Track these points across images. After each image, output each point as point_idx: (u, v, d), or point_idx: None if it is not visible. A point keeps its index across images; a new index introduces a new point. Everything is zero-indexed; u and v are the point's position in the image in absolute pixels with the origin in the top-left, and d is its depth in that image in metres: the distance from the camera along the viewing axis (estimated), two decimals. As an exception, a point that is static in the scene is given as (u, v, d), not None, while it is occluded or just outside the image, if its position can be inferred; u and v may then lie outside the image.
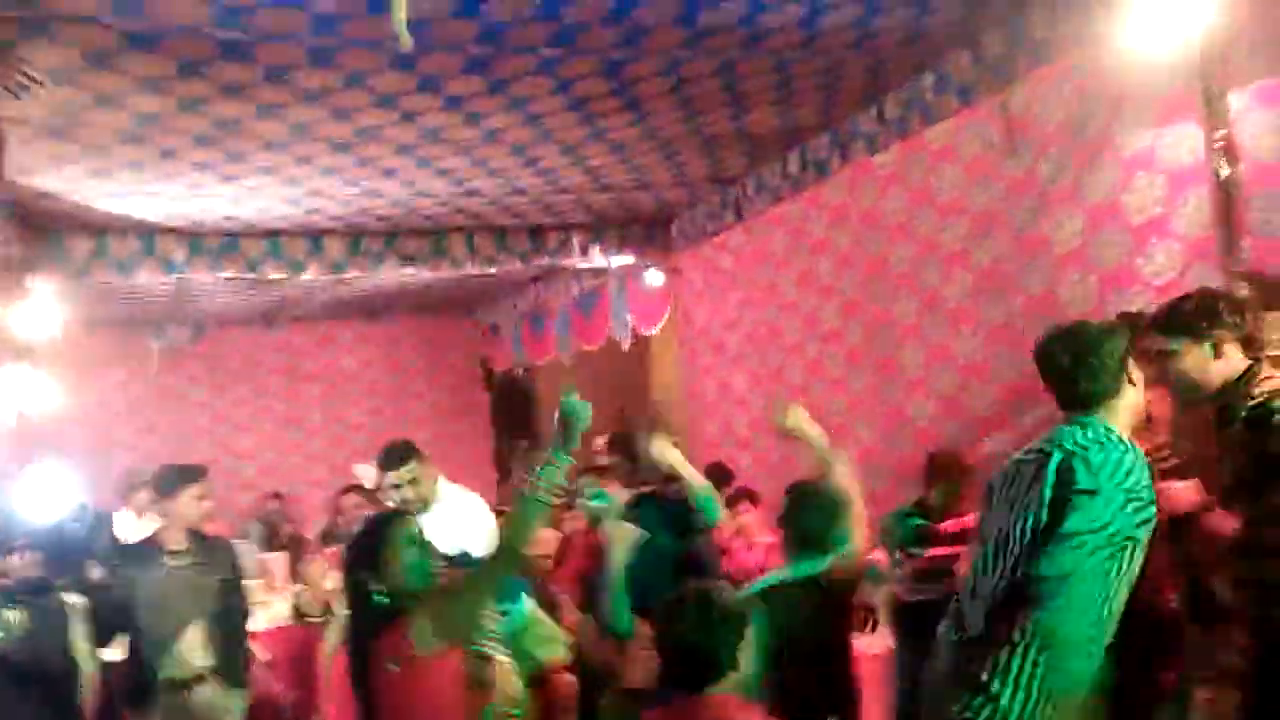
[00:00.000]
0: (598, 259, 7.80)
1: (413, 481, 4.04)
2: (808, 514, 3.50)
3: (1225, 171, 3.99)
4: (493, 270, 7.62)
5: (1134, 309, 4.41)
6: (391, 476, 4.05)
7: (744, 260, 7.35)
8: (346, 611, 2.65)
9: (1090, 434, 2.58)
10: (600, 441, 8.98)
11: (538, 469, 2.46)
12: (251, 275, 6.86)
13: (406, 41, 3.06)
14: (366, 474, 6.84)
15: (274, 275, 6.95)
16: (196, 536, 4.32)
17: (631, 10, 4.01)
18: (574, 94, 4.88)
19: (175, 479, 4.31)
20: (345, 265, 7.07)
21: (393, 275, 7.53)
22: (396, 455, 4.14)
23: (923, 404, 5.83)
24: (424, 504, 4.01)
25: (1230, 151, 3.98)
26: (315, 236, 6.93)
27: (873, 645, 4.83)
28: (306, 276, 7.06)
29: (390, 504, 4.07)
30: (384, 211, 6.63)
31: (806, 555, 3.44)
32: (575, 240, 7.59)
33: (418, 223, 7.02)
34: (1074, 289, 4.81)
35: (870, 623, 4.95)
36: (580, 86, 4.79)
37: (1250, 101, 3.96)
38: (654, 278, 8.16)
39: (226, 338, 9.85)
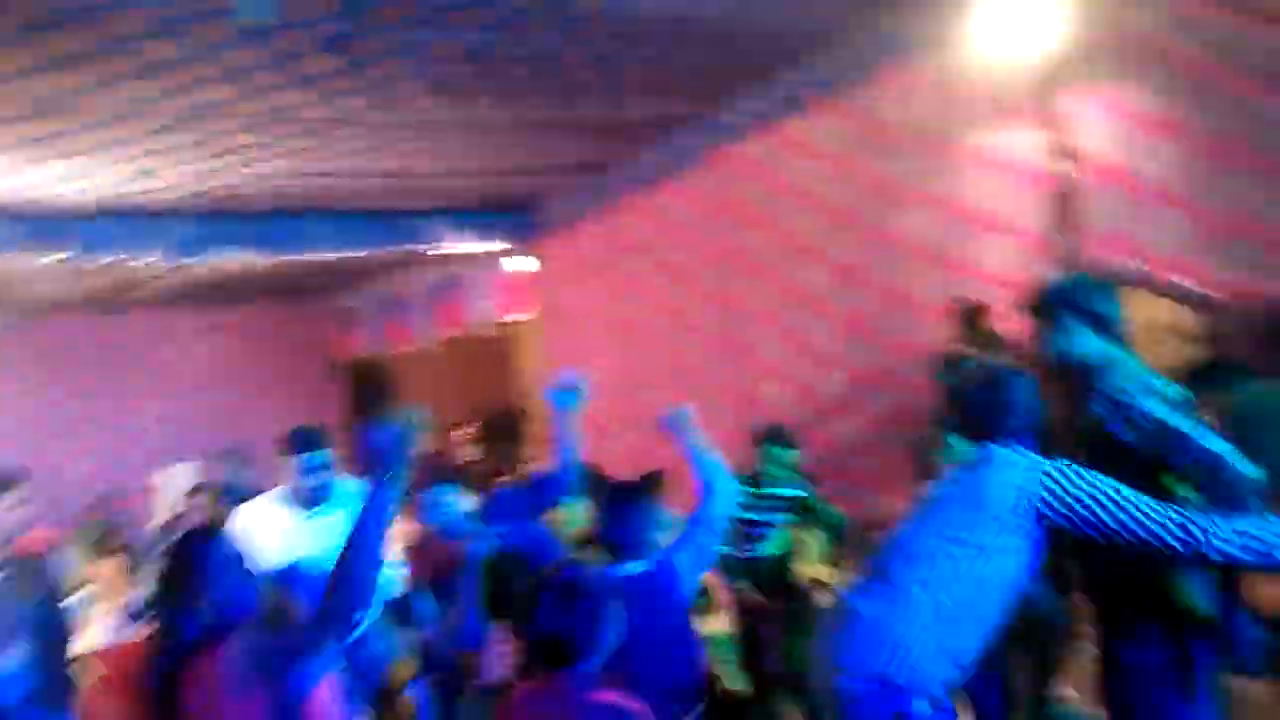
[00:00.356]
0: (461, 245, 7.63)
1: (326, 468, 3.57)
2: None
3: (1062, 172, 4.27)
4: (348, 254, 7.33)
5: (976, 300, 4.69)
6: (305, 459, 3.54)
7: (609, 248, 7.36)
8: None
9: None
10: (466, 431, 8.84)
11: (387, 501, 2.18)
12: (84, 258, 6.35)
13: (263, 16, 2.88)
14: (184, 475, 6.49)
15: (108, 258, 6.46)
16: (7, 553, 3.91)
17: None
18: (436, 76, 4.74)
19: None
20: (188, 248, 6.64)
21: (239, 259, 7.13)
22: (314, 437, 3.65)
23: (778, 390, 6.00)
24: (325, 498, 3.61)
25: (1069, 152, 4.26)
26: (155, 216, 6.48)
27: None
28: (146, 259, 6.59)
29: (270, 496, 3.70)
30: (230, 191, 6.26)
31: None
32: (436, 226, 7.40)
33: (267, 204, 6.67)
34: (922, 282, 5.06)
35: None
36: (442, 69, 4.67)
37: (1089, 105, 4.24)
38: (520, 264, 8.06)
39: (57, 325, 9.09)
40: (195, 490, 5.94)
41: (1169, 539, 2.19)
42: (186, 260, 6.79)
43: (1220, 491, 2.28)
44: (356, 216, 7.19)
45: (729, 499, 3.18)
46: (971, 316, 4.61)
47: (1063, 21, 4.10)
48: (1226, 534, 2.17)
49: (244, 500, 3.96)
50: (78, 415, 9.21)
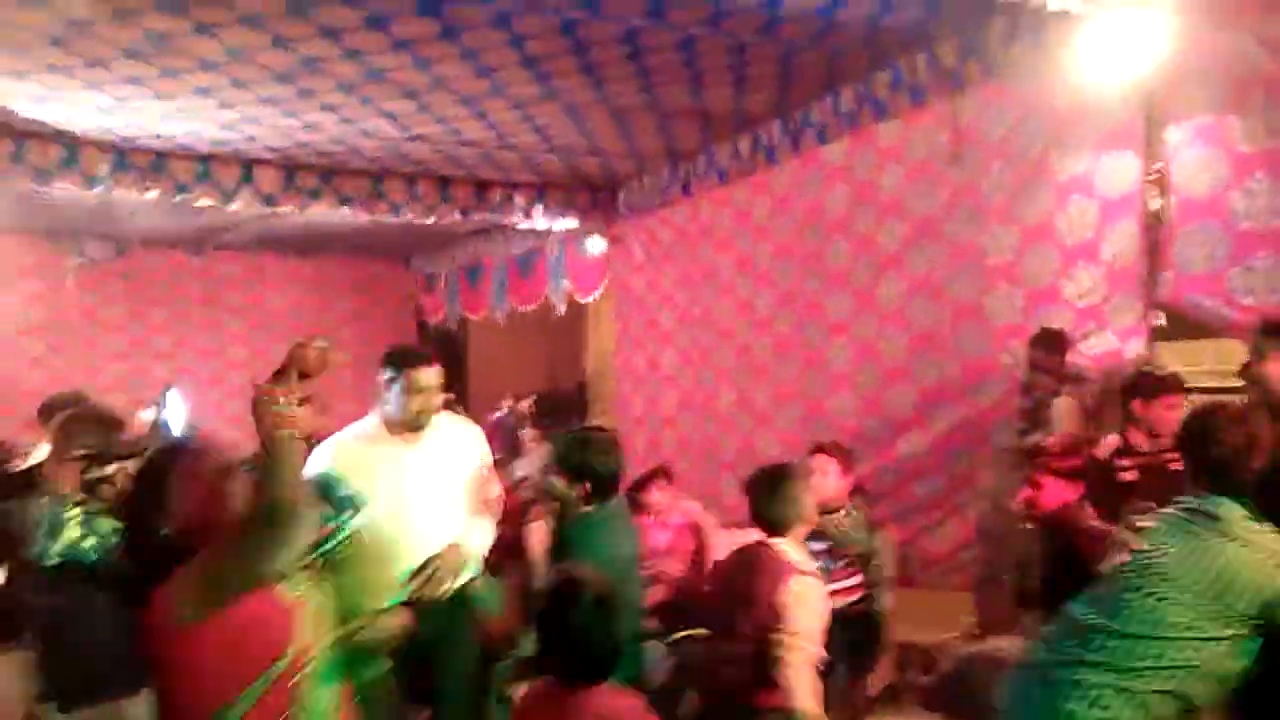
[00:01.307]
0: (540, 220, 7.69)
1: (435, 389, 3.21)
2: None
3: (1156, 204, 4.09)
4: (432, 220, 7.46)
5: (1055, 326, 4.53)
6: (425, 376, 3.18)
7: (686, 237, 7.33)
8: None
9: None
10: (526, 404, 8.94)
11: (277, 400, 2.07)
12: (179, 198, 6.59)
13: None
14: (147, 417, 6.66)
15: (203, 201, 6.69)
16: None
17: (593, -28, 3.93)
18: (528, 51, 4.77)
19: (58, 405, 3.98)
20: (278, 198, 6.83)
21: (328, 214, 7.32)
22: (426, 355, 3.35)
23: (845, 399, 5.90)
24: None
25: (1163, 185, 4.07)
26: (248, 165, 6.68)
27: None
28: (236, 206, 6.81)
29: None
30: (323, 148, 6.42)
31: None
32: (519, 199, 7.47)
33: (358, 163, 6.82)
34: (1001, 302, 4.90)
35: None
36: (535, 44, 4.69)
37: (1187, 137, 4.05)
38: (594, 245, 8.09)
39: (149, 259, 9.48)
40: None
41: None
42: (276, 209, 6.99)
43: None
44: (443, 182, 7.30)
45: None
46: (1050, 343, 4.46)
47: (1165, 49, 3.91)
48: None
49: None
50: (177, 343, 9.60)
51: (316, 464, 2.95)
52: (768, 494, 3.08)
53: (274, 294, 10.16)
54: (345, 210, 7.14)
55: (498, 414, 8.75)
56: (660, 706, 2.51)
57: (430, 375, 3.20)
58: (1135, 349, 4.27)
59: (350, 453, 3.15)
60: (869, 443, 5.38)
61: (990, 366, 4.98)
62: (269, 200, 6.82)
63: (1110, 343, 4.37)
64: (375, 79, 5.15)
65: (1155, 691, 2.22)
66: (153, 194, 6.47)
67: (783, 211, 6.35)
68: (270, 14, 4.29)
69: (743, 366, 6.76)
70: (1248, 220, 3.86)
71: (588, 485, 3.12)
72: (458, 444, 3.37)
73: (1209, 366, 4.35)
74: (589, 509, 3.13)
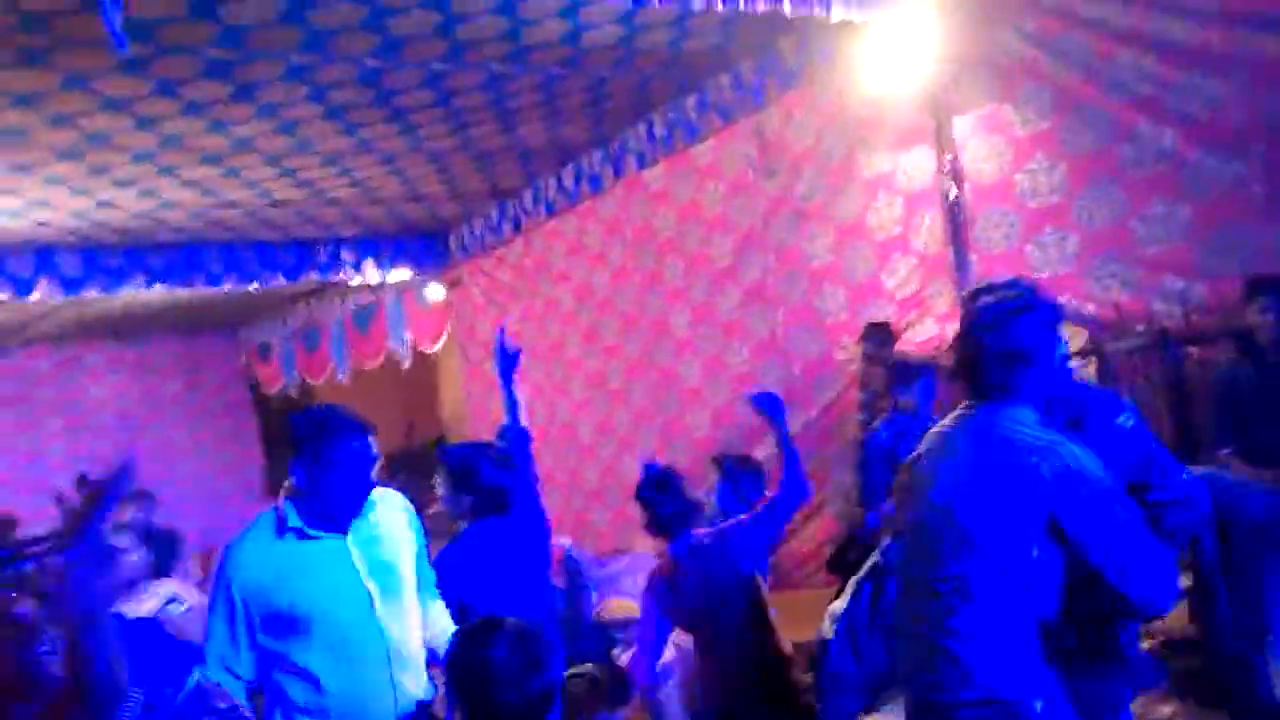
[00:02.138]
0: (372, 273, 7.49)
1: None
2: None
3: (953, 193, 4.35)
4: (255, 287, 7.15)
5: (881, 319, 4.75)
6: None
7: (523, 274, 7.30)
8: None
9: None
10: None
11: None
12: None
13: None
14: None
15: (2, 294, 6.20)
16: None
17: (386, 19, 3.87)
18: (331, 102, 4.65)
19: None
20: (82, 283, 6.40)
21: (141, 293, 6.91)
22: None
23: (699, 413, 5.99)
24: None
25: (957, 175, 4.35)
26: (44, 251, 6.24)
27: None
28: (36, 296, 6.33)
29: None
30: (124, 224, 6.06)
31: None
32: (346, 254, 7.26)
33: (166, 236, 6.47)
34: (828, 302, 5.10)
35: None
36: (337, 95, 4.58)
37: (972, 129, 4.34)
38: (433, 293, 7.94)
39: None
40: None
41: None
42: (83, 294, 6.54)
43: None
44: (264, 246, 7.02)
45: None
46: (878, 336, 4.66)
47: (942, 48, 4.20)
48: None
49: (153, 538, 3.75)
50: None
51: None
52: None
53: (94, 385, 9.47)
54: (159, 287, 6.76)
55: None
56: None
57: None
58: (955, 332, 4.50)
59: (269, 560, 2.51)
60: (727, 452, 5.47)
61: (827, 365, 5.16)
62: (71, 286, 6.37)
63: (932, 329, 4.60)
64: (172, 146, 4.90)
65: None
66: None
67: (614, 237, 6.42)
68: (46, 91, 4.03)
69: (598, 394, 6.77)
70: (1034, 199, 4.17)
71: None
72: (392, 516, 2.74)
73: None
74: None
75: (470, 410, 8.07)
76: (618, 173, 6.07)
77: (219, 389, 10.06)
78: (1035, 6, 4.07)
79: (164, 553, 4.09)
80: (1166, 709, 4.19)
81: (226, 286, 6.97)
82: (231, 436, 10.12)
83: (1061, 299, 4.04)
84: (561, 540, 5.37)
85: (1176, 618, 4.41)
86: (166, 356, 9.83)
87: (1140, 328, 3.87)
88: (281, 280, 7.15)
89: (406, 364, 8.49)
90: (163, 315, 8.68)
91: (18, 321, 8.04)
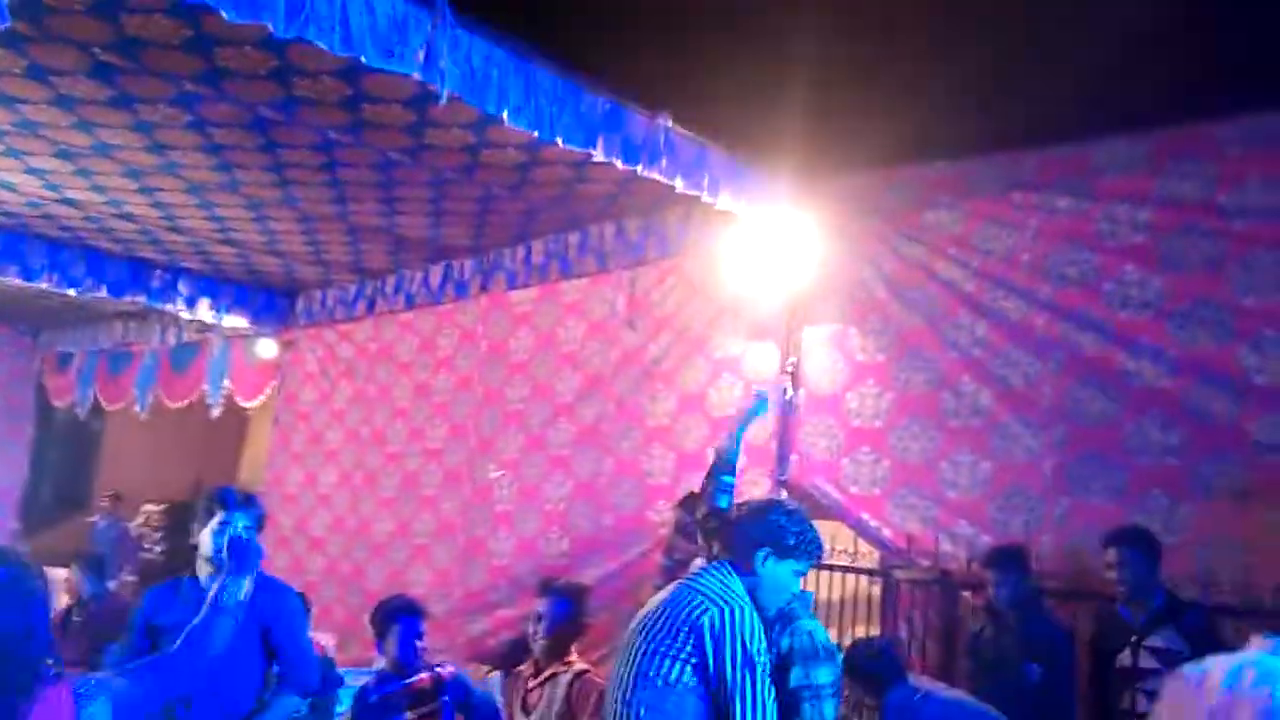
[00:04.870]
0: (205, 313, 7.10)
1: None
2: None
3: (789, 394, 4.56)
4: (73, 293, 6.63)
5: (697, 489, 4.82)
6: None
7: (365, 355, 7.10)
8: None
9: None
10: (155, 510, 8.00)
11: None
12: None
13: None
14: None
15: None
16: None
17: (292, 79, 3.82)
18: (212, 138, 4.50)
19: None
20: None
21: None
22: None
23: (504, 539, 5.85)
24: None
25: (795, 378, 4.57)
26: None
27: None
28: None
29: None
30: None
31: None
32: (184, 286, 6.87)
33: (-10, 216, 5.98)
34: (657, 462, 5.16)
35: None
36: (221, 134, 4.44)
37: (818, 340, 4.60)
38: (265, 349, 7.59)
39: None
40: None
41: None
42: None
43: None
44: (96, 254, 6.56)
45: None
46: (694, 507, 4.71)
47: (810, 260, 4.51)
48: None
49: None
50: None
51: None
52: None
53: None
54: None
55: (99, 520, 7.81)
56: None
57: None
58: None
59: None
60: (520, 588, 5.34)
61: (642, 523, 5.17)
62: None
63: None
64: (27, 131, 4.59)
65: None
66: None
67: (467, 346, 6.36)
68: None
69: (406, 494, 6.53)
70: (859, 419, 4.41)
71: None
72: None
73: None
74: None
75: (268, 477, 7.63)
76: (485, 286, 6.07)
77: (1, 385, 9.15)
78: (895, 254, 4.45)
79: None
80: None
81: (43, 284, 6.44)
82: (7, 442, 9.16)
83: (864, 516, 4.30)
84: (321, 638, 5.06)
85: None
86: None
87: (926, 563, 4.09)
88: (105, 294, 6.66)
89: (216, 413, 8.00)
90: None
91: None
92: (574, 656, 3.54)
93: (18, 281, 6.37)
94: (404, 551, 6.46)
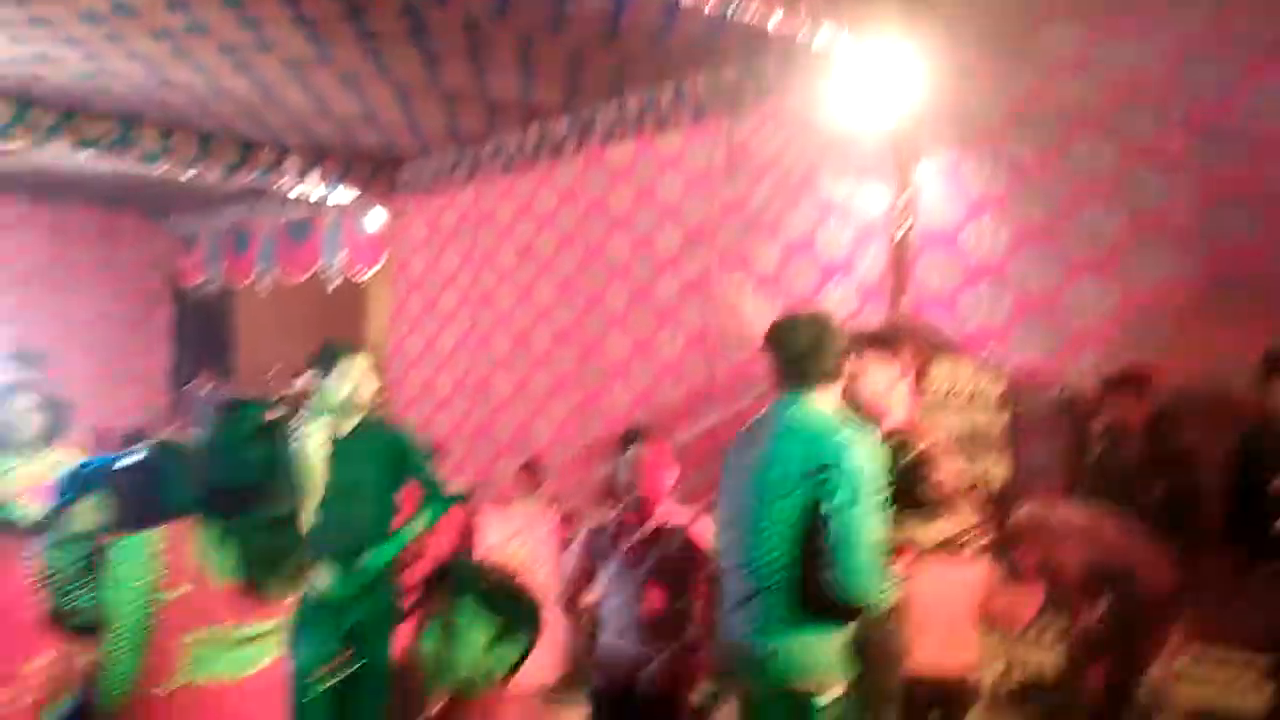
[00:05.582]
0: (315, 188, 7.27)
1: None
2: None
3: (901, 231, 4.43)
4: (190, 175, 6.86)
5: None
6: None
7: (469, 221, 7.19)
8: None
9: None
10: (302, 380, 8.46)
11: None
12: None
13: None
14: None
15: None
16: None
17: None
18: (302, 10, 4.48)
19: None
20: (9, 134, 6.06)
21: (66, 157, 6.58)
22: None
23: (621, 392, 6.00)
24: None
25: (908, 214, 4.42)
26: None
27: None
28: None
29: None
30: (62, 83, 5.75)
31: None
32: (290, 162, 7.01)
33: (104, 105, 6.16)
34: (763, 312, 5.14)
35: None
36: (309, 5, 4.41)
37: (931, 173, 4.41)
38: (374, 219, 7.76)
39: None
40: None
41: None
42: (6, 143, 6.19)
43: None
44: (207, 136, 6.73)
45: None
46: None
47: (917, 92, 4.26)
48: None
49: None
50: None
51: None
52: None
53: (4, 239, 9.02)
54: (89, 154, 6.44)
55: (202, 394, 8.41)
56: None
57: None
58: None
59: None
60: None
61: (752, 372, 5.20)
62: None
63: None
64: (125, 14, 4.66)
65: None
66: None
67: (567, 204, 6.36)
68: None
69: (521, 353, 6.73)
70: (976, 253, 4.26)
71: None
72: None
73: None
74: None
75: (390, 344, 7.94)
76: (581, 144, 5.99)
77: (135, 270, 9.67)
78: (1012, 79, 4.16)
79: (52, 420, 4.01)
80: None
81: (162, 169, 6.68)
82: (141, 322, 9.76)
83: (984, 351, 4.21)
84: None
85: (1046, 658, 4.63)
86: (84, 226, 9.41)
87: (1052, 392, 4.02)
88: (219, 174, 6.87)
89: (333, 287, 8.29)
90: (86, 184, 8.30)
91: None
92: (672, 508, 3.39)
93: (139, 167, 6.61)
94: (524, 407, 6.70)
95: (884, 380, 2.79)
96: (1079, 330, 4.00)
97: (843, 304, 4.76)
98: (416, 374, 7.71)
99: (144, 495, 1.96)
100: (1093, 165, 3.94)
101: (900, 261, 4.53)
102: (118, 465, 2.03)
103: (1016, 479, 4.09)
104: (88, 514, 1.95)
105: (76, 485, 1.99)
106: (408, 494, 3.56)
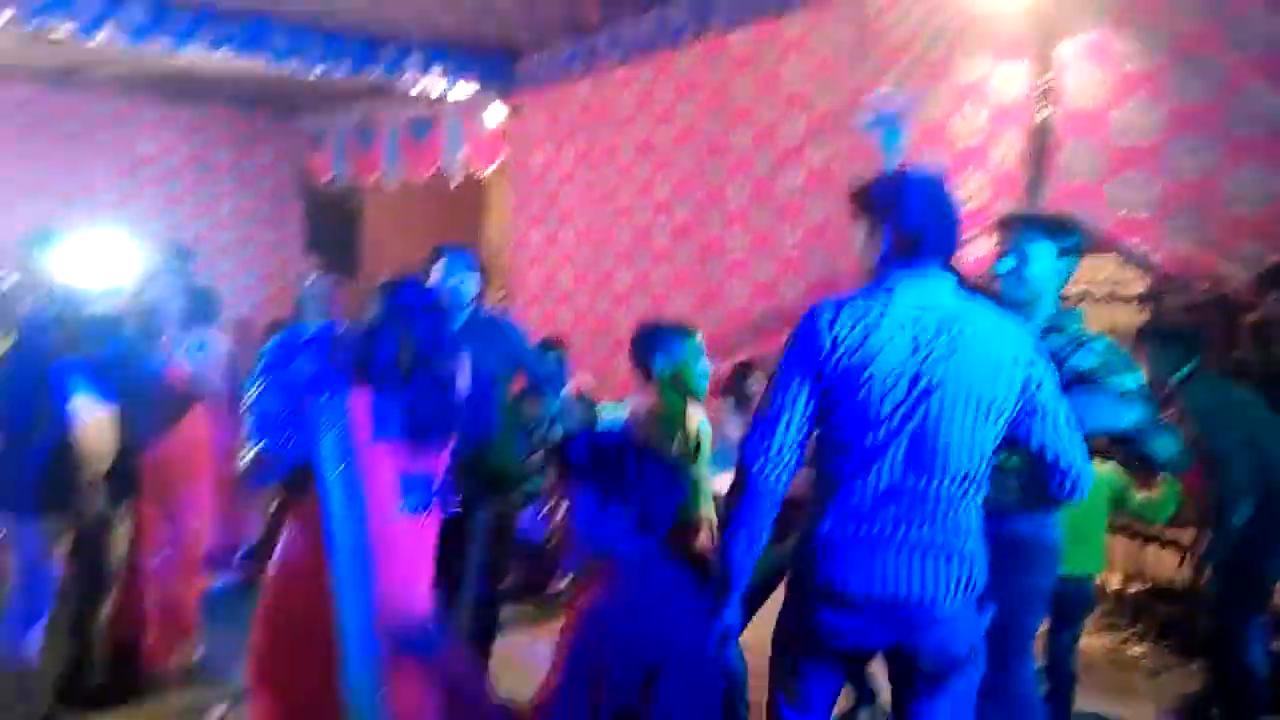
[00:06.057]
0: (436, 83, 7.35)
1: None
2: None
3: (1043, 114, 4.20)
4: (318, 72, 7.03)
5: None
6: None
7: (587, 114, 7.16)
8: None
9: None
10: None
11: None
12: (34, 23, 6.00)
13: None
14: None
15: (60, 31, 6.11)
16: None
17: None
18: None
19: None
20: (146, 33, 6.30)
21: (205, 58, 6.82)
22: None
23: (741, 287, 5.99)
24: None
25: (1051, 97, 4.18)
26: (117, -7, 6.12)
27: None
28: (99, 39, 6.25)
29: None
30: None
31: None
32: (413, 57, 7.09)
33: (234, 4, 6.33)
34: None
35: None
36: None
37: (1077, 52, 4.14)
38: (493, 115, 7.81)
39: (7, 91, 8.69)
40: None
41: None
42: (146, 45, 6.45)
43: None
44: (332, 35, 6.86)
45: None
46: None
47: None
48: None
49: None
50: (40, 184, 8.84)
51: None
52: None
53: (146, 139, 9.49)
54: (222, 54, 6.66)
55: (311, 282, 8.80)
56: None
57: None
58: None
59: None
60: (761, 331, 5.52)
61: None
62: (136, 35, 6.28)
63: (988, 249, 4.52)
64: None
65: None
66: (5, 14, 5.87)
67: (686, 96, 6.25)
68: None
69: (641, 248, 6.76)
70: (1125, 138, 4.02)
71: None
72: None
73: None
74: None
75: (512, 240, 8.09)
76: (701, 30, 5.84)
77: (268, 169, 10.07)
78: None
79: (200, 308, 4.34)
80: (1138, 649, 4.37)
81: (290, 67, 6.86)
82: (274, 218, 10.20)
83: (1132, 242, 4.00)
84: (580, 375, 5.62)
85: (1169, 565, 4.56)
86: (219, 125, 9.81)
87: (1203, 286, 3.82)
88: (345, 71, 7.01)
89: (455, 183, 8.45)
90: (221, 85, 8.60)
91: (78, 61, 7.99)
92: None
93: (267, 66, 6.80)
94: (645, 301, 6.77)
95: (1046, 264, 2.67)
96: (1236, 220, 3.75)
97: (977, 194, 4.59)
98: (537, 270, 7.85)
99: (337, 362, 2.17)
100: (1262, 35, 3.62)
101: (1040, 148, 4.31)
102: (311, 337, 2.25)
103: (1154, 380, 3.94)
104: (295, 375, 2.17)
105: (284, 352, 2.21)
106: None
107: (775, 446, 2.07)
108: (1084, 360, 2.51)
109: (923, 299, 2.08)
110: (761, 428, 2.09)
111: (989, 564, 2.12)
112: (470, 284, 3.61)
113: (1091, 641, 4.35)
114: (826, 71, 5.25)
